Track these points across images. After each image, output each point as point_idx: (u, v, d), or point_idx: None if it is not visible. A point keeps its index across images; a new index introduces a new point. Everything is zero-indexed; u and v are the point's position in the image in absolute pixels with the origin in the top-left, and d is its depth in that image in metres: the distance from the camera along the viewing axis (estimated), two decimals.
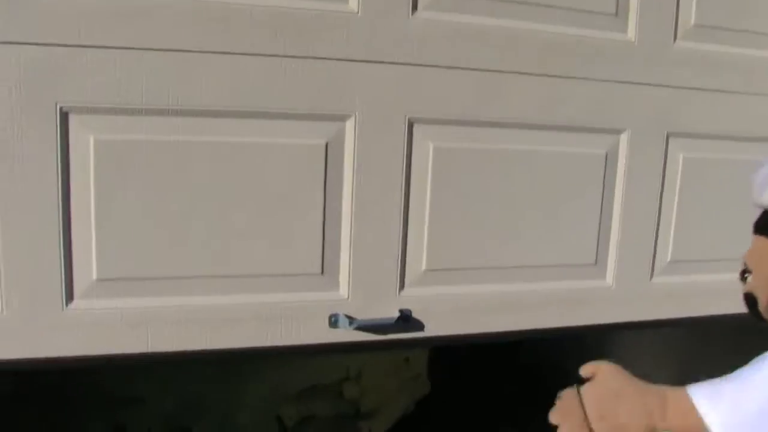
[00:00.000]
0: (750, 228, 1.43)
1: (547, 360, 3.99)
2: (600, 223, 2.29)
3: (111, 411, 3.19)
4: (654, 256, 2.38)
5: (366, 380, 3.40)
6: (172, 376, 3.13)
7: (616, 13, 2.20)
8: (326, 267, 2.05)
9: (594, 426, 1.37)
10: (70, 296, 1.90)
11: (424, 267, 2.13)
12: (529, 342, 4.05)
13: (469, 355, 4.13)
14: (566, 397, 1.44)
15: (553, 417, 1.44)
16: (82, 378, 3.13)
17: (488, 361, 4.12)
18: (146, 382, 3.13)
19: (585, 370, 1.46)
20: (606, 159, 2.26)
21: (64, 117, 1.82)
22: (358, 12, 1.96)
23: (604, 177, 2.27)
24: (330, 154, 2.01)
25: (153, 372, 3.12)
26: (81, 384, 3.15)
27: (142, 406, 3.17)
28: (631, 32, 2.22)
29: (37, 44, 1.75)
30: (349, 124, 2.01)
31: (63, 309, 1.88)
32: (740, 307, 1.46)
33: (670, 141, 2.33)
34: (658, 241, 2.38)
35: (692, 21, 2.28)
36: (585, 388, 1.42)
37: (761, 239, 1.39)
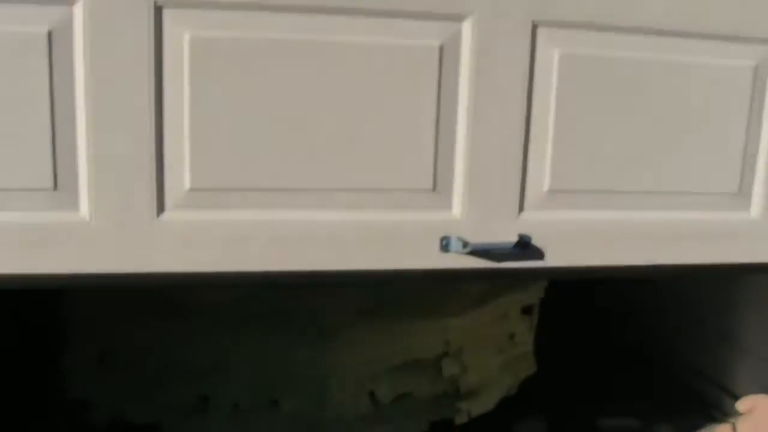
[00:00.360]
0: None
1: (657, 343, 3.76)
2: (746, 147, 2.08)
3: (194, 381, 3.08)
4: None
5: (467, 357, 3.20)
6: (261, 346, 3.01)
7: None
8: (438, 183, 1.90)
9: None
10: (161, 207, 1.79)
11: (546, 188, 1.95)
12: (640, 323, 3.82)
13: (578, 334, 3.92)
14: None
15: None
16: (164, 343, 3.04)
17: (597, 343, 3.92)
18: (232, 352, 3.01)
19: (743, 405, 1.34)
20: (755, 72, 2.05)
21: (158, 12, 1.72)
22: None
23: (753, 93, 2.06)
24: (444, 58, 1.86)
25: (240, 340, 3.00)
26: (163, 350, 3.06)
27: (228, 376, 3.04)
28: None
29: None
30: (467, 25, 1.87)
31: (153, 220, 1.77)
32: None
33: None
34: None
35: None
36: (741, 423, 1.29)
37: None
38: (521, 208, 1.94)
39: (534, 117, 1.91)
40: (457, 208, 1.91)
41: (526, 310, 3.45)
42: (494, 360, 3.34)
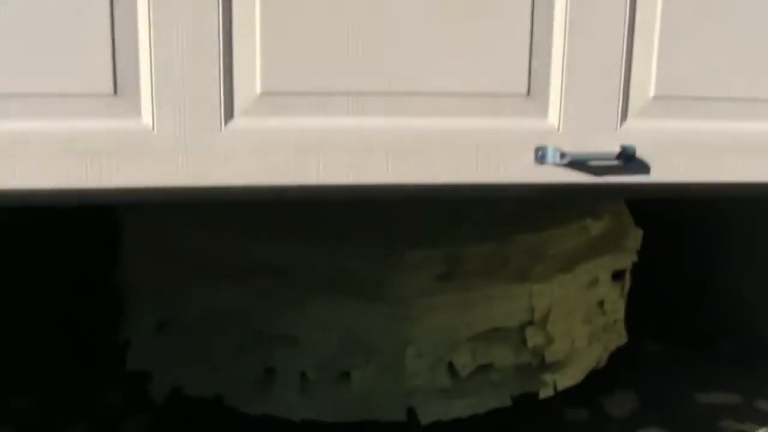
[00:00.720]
0: None
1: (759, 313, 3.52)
2: None
3: (259, 352, 2.96)
4: None
5: (553, 326, 3.03)
6: (332, 314, 2.88)
7: None
8: (533, 87, 1.73)
9: None
10: (229, 113, 1.66)
11: (652, 93, 1.78)
12: (740, 293, 3.60)
13: (672, 302, 3.71)
14: None
15: None
16: (227, 311, 2.92)
17: (692, 312, 3.70)
18: (302, 320, 2.88)
19: None
20: None
21: None
22: None
23: None
24: None
25: (309, 307, 2.87)
26: (226, 319, 2.94)
27: (296, 346, 2.91)
28: None
29: None
30: None
31: (221, 129, 1.65)
32: None
33: None
34: None
35: None
36: None
37: None
38: (624, 116, 1.77)
39: (639, 10, 1.75)
40: (553, 116, 1.75)
41: (617, 276, 3.26)
42: (582, 329, 3.16)
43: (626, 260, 3.23)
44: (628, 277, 3.29)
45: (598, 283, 3.15)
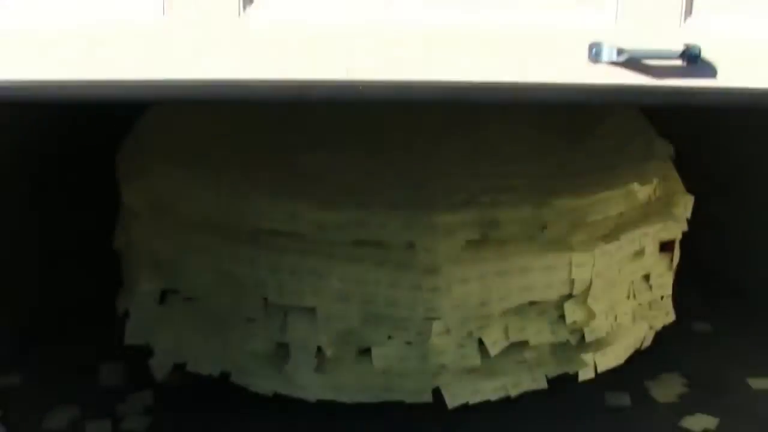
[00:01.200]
0: None
1: None
2: None
3: (270, 325, 2.75)
4: None
5: (594, 300, 2.80)
6: (352, 283, 2.66)
7: None
8: None
9: None
10: None
11: None
12: None
13: (723, 278, 3.49)
14: None
15: None
16: (236, 279, 2.72)
17: (745, 289, 3.48)
18: (319, 290, 2.67)
19: None
20: None
21: None
22: None
23: None
24: None
25: (328, 277, 2.66)
26: (235, 288, 2.74)
27: (312, 319, 2.70)
28: None
29: None
30: None
31: (238, 16, 1.48)
32: None
33: None
34: None
35: None
36: None
37: None
38: (688, 11, 1.57)
39: None
40: (609, 9, 1.55)
41: (665, 247, 3.04)
42: (626, 305, 2.95)
43: (676, 230, 3.01)
44: (677, 248, 3.06)
45: (644, 254, 2.93)
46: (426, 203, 2.67)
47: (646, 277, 2.99)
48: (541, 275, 2.72)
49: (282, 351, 2.77)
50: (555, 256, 2.71)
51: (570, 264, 2.73)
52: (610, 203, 2.82)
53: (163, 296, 2.92)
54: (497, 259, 2.68)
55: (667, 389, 2.99)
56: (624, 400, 2.95)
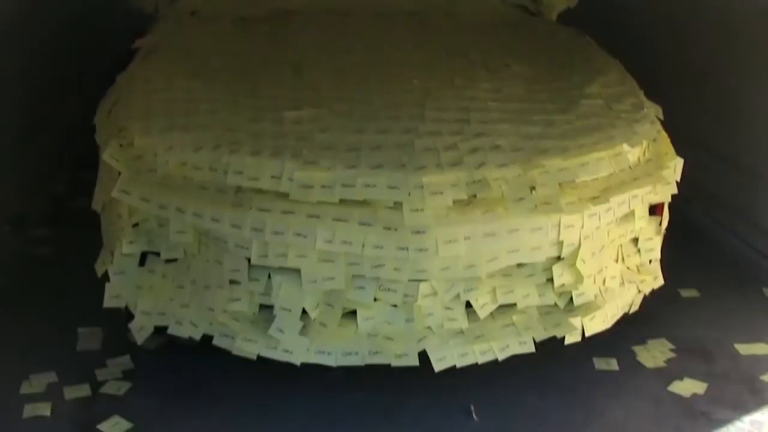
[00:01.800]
0: None
1: None
2: None
3: (257, 286, 2.76)
4: None
5: (583, 263, 2.82)
6: (337, 244, 2.66)
7: None
8: None
9: None
10: None
11: None
12: None
13: (715, 243, 3.51)
14: None
15: None
16: (223, 242, 2.71)
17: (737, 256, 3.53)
18: (303, 251, 2.66)
19: None
20: None
21: None
22: None
23: None
24: None
25: (312, 238, 2.64)
26: (222, 249, 2.74)
27: (297, 281, 2.70)
28: None
29: None
30: None
31: None
32: None
33: None
34: None
35: None
36: None
37: None
38: None
39: None
40: None
41: (655, 210, 3.07)
42: (614, 268, 2.97)
43: (665, 192, 3.03)
44: (666, 211, 3.09)
45: (633, 217, 2.96)
46: (413, 163, 2.67)
47: (635, 241, 3.01)
48: (529, 237, 2.73)
49: (266, 313, 2.77)
50: (544, 218, 2.71)
51: (559, 225, 2.74)
52: (600, 165, 2.84)
53: (143, 258, 2.91)
54: (485, 220, 2.69)
55: (654, 354, 3.03)
56: (612, 365, 2.99)
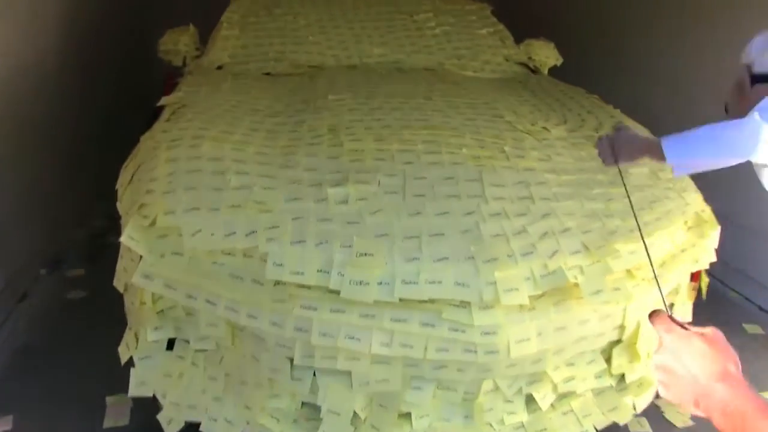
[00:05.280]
0: None
1: None
2: None
3: (301, 385, 1.46)
4: None
5: (642, 344, 1.61)
6: (394, 348, 1.38)
7: None
8: None
9: None
10: None
11: None
12: None
13: None
14: None
15: None
16: (261, 336, 1.40)
17: None
18: (356, 354, 1.38)
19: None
20: None
21: None
22: None
23: None
24: None
25: (366, 343, 1.37)
26: (261, 344, 1.42)
27: (346, 380, 1.43)
28: None
29: None
30: None
31: None
32: None
33: None
34: None
35: None
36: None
37: None
38: None
39: None
40: None
41: (693, 277, 1.85)
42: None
43: (705, 261, 1.81)
44: (703, 276, 1.87)
45: (679, 291, 1.73)
46: (482, 254, 1.39)
47: (671, 306, 1.80)
48: (597, 325, 1.51)
49: (310, 411, 1.48)
50: (614, 305, 1.47)
51: (625, 311, 1.50)
52: (663, 243, 1.60)
53: (171, 341, 1.58)
54: (557, 312, 1.43)
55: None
56: (644, 425, 1.77)
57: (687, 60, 2.92)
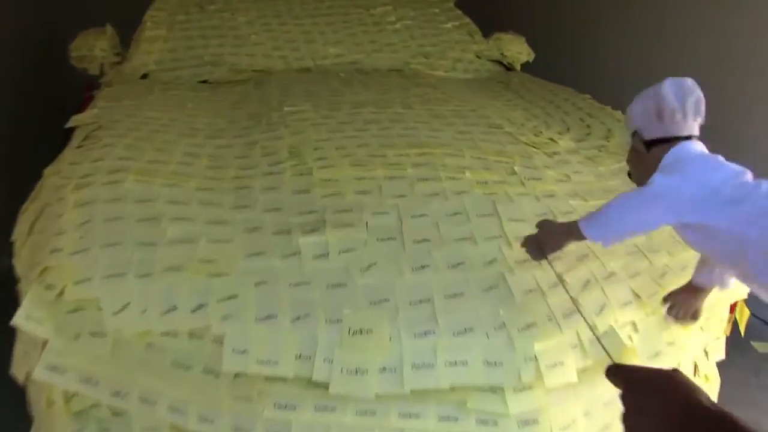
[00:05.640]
0: None
1: None
2: None
3: None
4: None
5: None
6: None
7: None
8: None
9: None
10: None
11: None
12: None
13: None
14: None
15: None
16: None
17: None
18: None
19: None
20: None
21: None
22: None
23: None
24: None
25: None
26: None
27: None
28: None
29: None
30: None
31: None
32: None
33: None
34: None
35: None
36: None
37: None
38: None
39: None
40: None
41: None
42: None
43: (736, 295, 1.52)
44: (743, 308, 1.59)
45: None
46: (516, 320, 1.03)
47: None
48: None
49: None
50: (669, 363, 1.15)
51: (679, 365, 1.21)
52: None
53: None
54: (607, 381, 1.08)
55: None
56: None
57: (663, 55, 2.68)
